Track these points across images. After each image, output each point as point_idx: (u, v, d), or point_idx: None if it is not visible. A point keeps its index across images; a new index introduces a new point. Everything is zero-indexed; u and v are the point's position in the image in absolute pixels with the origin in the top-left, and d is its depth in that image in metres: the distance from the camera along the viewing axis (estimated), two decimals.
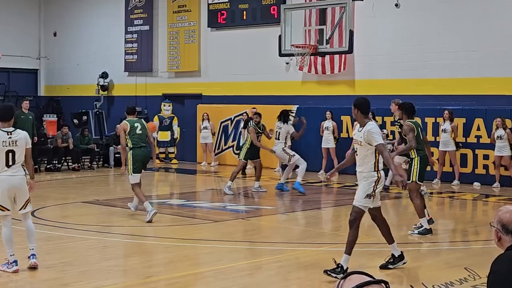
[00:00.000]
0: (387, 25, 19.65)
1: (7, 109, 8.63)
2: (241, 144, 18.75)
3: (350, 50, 17.64)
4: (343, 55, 19.80)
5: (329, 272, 8.01)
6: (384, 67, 19.68)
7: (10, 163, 8.26)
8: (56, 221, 12.05)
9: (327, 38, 18.03)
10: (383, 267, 8.56)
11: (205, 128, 22.55)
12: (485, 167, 17.62)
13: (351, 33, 17.07)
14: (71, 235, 10.82)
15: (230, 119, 22.78)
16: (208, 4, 23.53)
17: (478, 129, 17.77)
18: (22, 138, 8.39)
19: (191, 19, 24.16)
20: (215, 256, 9.50)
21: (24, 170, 8.66)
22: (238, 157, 16.62)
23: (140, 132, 12.39)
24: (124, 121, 12.69)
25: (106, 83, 26.52)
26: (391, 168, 8.36)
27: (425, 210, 11.14)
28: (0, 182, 8.22)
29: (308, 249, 10.02)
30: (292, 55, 18.27)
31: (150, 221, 11.77)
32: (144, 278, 8.19)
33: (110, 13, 26.63)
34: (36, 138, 19.24)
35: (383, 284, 2.22)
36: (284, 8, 18.06)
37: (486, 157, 17.52)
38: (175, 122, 24.01)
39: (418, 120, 12.77)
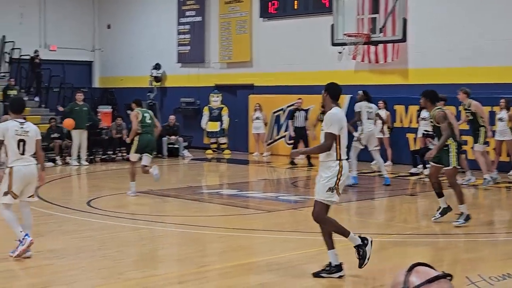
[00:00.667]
0: (441, 13, 19.33)
1: (19, 102, 9.30)
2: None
3: (404, 39, 17.44)
4: (396, 44, 19.58)
5: (321, 274, 7.68)
6: (438, 56, 19.38)
7: (21, 152, 8.59)
8: (110, 211, 12.19)
9: (380, 27, 17.84)
10: (316, 275, 7.75)
11: (257, 118, 22.57)
12: None
13: (405, 21, 16.86)
14: (125, 225, 10.95)
15: (282, 109, 22.73)
16: None
17: None
18: (32, 130, 8.78)
19: (243, 10, 24.16)
20: (268, 246, 9.50)
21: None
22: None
23: (150, 121, 14.20)
24: (137, 109, 14.29)
25: (159, 74, 26.73)
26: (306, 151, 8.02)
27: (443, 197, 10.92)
28: (17, 172, 8.53)
29: None
30: (345, 44, 18.14)
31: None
32: (197, 267, 8.23)
33: (163, 5, 26.80)
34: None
35: (449, 279, 2.19)
36: None
37: None
38: (224, 112, 24.07)
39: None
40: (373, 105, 15.70)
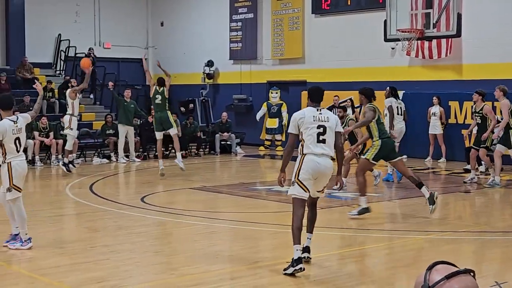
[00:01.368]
0: (496, 7, 19.02)
1: (8, 98, 9.34)
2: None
3: (458, 34, 17.20)
4: (450, 39, 19.32)
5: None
6: (493, 51, 19.06)
7: (19, 149, 8.89)
8: (164, 207, 12.32)
9: (434, 22, 17.63)
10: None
11: None
12: None
13: (459, 16, 16.64)
14: (179, 221, 11.05)
15: (334, 105, 22.59)
16: None
17: None
18: (22, 122, 9.00)
19: (295, 6, 24.13)
20: (320, 243, 9.47)
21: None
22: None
23: (160, 102, 16.49)
24: (154, 87, 16.71)
25: (212, 71, 26.89)
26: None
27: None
28: (17, 167, 8.81)
29: (415, 236, 9.85)
30: (398, 40, 17.98)
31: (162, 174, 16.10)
32: (250, 263, 8.26)
33: (215, 2, 26.94)
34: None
35: (471, 273, 2.19)
36: None
37: None
38: (284, 109, 24.10)
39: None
40: (401, 102, 15.64)
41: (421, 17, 18.50)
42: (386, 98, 15.81)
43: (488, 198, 13.68)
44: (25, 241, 8.87)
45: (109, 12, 28.14)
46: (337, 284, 7.43)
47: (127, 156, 20.41)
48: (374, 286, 7.47)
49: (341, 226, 10.78)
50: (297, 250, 7.55)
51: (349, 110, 21.07)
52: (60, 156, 19.50)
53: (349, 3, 22.46)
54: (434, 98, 19.43)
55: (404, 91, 20.40)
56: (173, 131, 16.75)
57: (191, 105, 26.25)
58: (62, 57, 26.82)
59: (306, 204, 7.91)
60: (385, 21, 17.98)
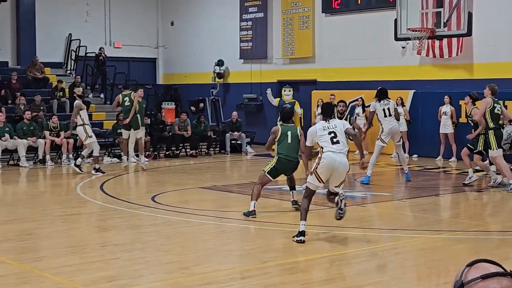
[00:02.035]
0: (507, 6, 18.94)
1: None
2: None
3: (469, 33, 17.15)
4: (461, 38, 19.26)
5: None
6: (504, 50, 18.99)
7: None
8: (175, 206, 12.33)
9: (445, 21, 17.59)
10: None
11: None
12: None
13: (470, 15, 16.59)
14: (189, 220, 11.06)
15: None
16: None
17: None
18: None
19: (305, 5, 24.12)
20: (329, 242, 9.47)
21: None
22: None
23: (128, 104, 18.00)
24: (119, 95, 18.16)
25: (222, 71, 26.91)
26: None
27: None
28: None
29: (425, 236, 9.83)
30: (409, 39, 17.95)
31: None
32: (260, 263, 8.26)
33: (225, 1, 26.95)
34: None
35: (510, 277, 2.09)
36: None
37: None
38: (297, 106, 24.01)
39: None
40: (391, 101, 15.35)
41: (431, 16, 18.47)
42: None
43: (499, 198, 13.63)
44: None
45: (119, 12, 28.21)
46: (347, 283, 7.42)
47: (137, 156, 20.40)
48: (384, 286, 7.46)
49: (351, 225, 10.76)
50: (302, 224, 9.07)
51: (359, 109, 21.12)
52: (71, 156, 19.54)
53: (359, 2, 22.43)
54: (446, 97, 19.36)
55: (414, 90, 20.38)
56: (139, 134, 18.21)
57: (202, 105, 26.29)
58: (73, 57, 26.90)
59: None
60: (396, 20, 17.95)
